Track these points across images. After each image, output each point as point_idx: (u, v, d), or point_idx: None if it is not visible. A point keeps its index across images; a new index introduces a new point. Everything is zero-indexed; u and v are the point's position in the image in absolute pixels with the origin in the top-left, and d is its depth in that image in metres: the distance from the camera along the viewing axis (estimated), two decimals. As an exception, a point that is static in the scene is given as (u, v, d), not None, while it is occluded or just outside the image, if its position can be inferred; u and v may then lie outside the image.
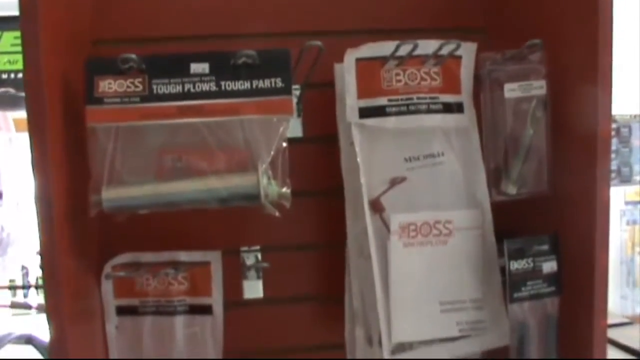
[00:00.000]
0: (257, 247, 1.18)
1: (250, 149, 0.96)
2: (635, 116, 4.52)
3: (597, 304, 1.02)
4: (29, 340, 1.83)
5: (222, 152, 0.96)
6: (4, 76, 3.34)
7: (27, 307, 3.45)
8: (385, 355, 1.02)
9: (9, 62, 3.35)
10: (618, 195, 4.39)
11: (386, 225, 1.03)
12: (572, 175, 1.06)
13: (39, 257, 0.97)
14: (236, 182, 0.94)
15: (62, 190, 0.95)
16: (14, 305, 3.48)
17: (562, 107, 1.07)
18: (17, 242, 3.46)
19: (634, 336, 1.49)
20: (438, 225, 1.05)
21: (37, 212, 0.93)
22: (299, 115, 1.17)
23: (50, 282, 0.95)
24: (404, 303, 1.03)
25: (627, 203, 4.91)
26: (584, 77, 1.01)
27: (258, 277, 1.18)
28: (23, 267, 3.77)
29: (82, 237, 1.05)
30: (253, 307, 1.20)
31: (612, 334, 1.08)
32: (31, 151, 0.92)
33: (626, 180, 4.75)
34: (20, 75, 3.20)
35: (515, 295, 1.05)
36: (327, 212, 1.20)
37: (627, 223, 4.96)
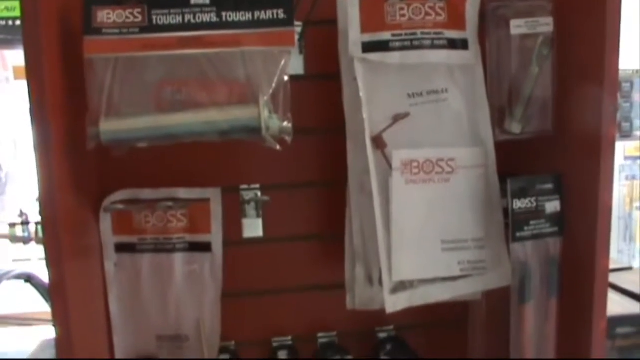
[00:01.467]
0: (257, 185, 1.16)
1: (251, 82, 0.94)
2: (636, 71, 4.49)
3: (599, 244, 1.01)
4: (28, 278, 1.82)
5: (222, 84, 0.94)
6: (2, 23, 3.31)
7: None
8: (386, 293, 1.02)
9: (7, 9, 3.32)
10: (618, 151, 4.37)
11: (388, 162, 1.02)
12: (578, 114, 1.04)
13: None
14: (237, 115, 0.92)
15: (60, 125, 0.94)
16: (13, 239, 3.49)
17: (569, 45, 1.05)
18: (15, 181, 3.46)
19: (634, 281, 1.49)
20: (440, 163, 1.04)
21: (34, 147, 0.91)
22: (300, 53, 1.15)
23: (48, 218, 0.94)
24: (405, 241, 1.02)
25: (626, 158, 4.90)
26: (592, 14, 0.99)
27: (258, 216, 1.17)
28: (22, 214, 3.77)
29: (80, 173, 1.04)
30: (253, 246, 1.19)
31: (612, 278, 1.07)
32: (28, 86, 0.90)
33: (626, 135, 4.74)
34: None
35: (518, 234, 1.04)
36: (329, 150, 1.18)
37: (626, 178, 4.96)
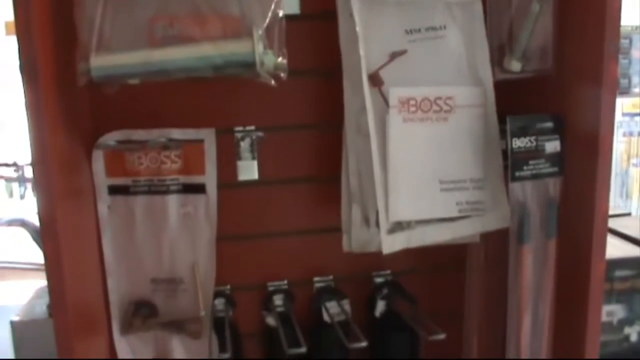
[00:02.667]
0: (252, 127, 1.14)
1: (245, 16, 0.92)
2: (635, 27, 4.46)
3: (599, 184, 1.00)
4: (21, 223, 1.81)
5: (216, 19, 0.92)
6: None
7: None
8: (383, 234, 1.00)
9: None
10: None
11: (385, 100, 1.00)
12: (579, 52, 1.02)
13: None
14: (231, 49, 0.90)
15: (49, 61, 0.91)
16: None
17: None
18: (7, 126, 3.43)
19: (632, 226, 1.48)
20: (438, 102, 1.02)
21: (23, 83, 0.89)
22: (296, -10, 1.13)
23: (39, 157, 0.92)
24: (403, 181, 1.01)
25: (624, 115, 4.88)
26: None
27: (253, 158, 1.15)
28: (18, 168, 3.76)
29: (72, 114, 1.02)
30: (248, 188, 1.18)
31: (611, 224, 1.06)
32: (15, 18, 0.88)
33: (624, 91, 4.73)
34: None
35: (517, 174, 1.02)
36: (325, 92, 1.16)
37: (624, 135, 4.95)
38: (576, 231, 1.04)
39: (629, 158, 5.00)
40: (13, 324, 1.54)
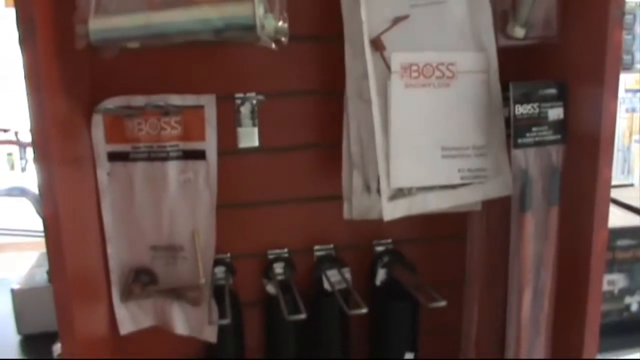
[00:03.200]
0: (253, 94, 1.13)
1: (245, -22, 0.90)
2: (639, 4, 4.44)
3: (602, 152, 0.99)
4: (21, 192, 1.80)
5: (216, -19, 0.91)
6: None
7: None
8: (384, 200, 1.00)
9: None
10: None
11: (387, 65, 0.99)
12: (584, 18, 1.01)
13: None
14: (231, 12, 0.89)
15: (48, 24, 0.90)
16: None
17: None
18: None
19: (635, 196, 1.47)
20: (441, 67, 1.01)
21: (21, 47, 0.88)
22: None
23: (37, 122, 0.91)
24: (404, 147, 1.00)
25: (626, 91, 4.87)
26: None
27: (253, 125, 1.15)
28: (18, 140, 3.75)
29: (71, 79, 1.00)
30: (248, 156, 1.17)
31: (613, 194, 1.05)
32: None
33: (627, 67, 4.70)
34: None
35: (519, 140, 1.02)
36: (326, 57, 1.15)
37: (626, 111, 4.93)
38: (578, 199, 1.03)
39: (631, 134, 4.99)
40: (13, 292, 1.55)
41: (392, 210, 1.00)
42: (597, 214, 1.01)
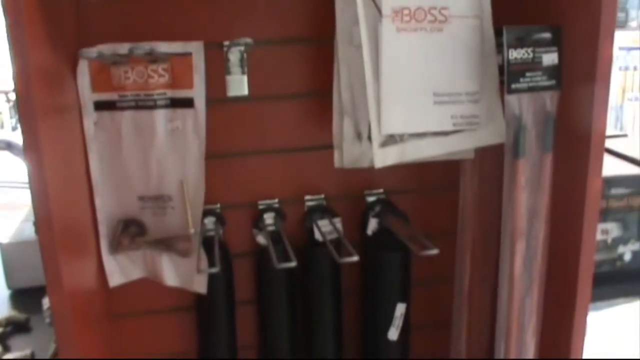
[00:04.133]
0: (241, 39, 1.11)
1: None
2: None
3: (597, 100, 0.97)
4: (7, 145, 1.79)
5: None
6: None
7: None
8: (375, 147, 0.98)
9: None
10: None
11: (378, 9, 0.96)
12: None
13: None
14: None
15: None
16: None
17: None
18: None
19: (629, 145, 1.46)
20: (433, 11, 0.98)
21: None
22: None
23: (19, 69, 0.88)
24: (396, 92, 0.98)
25: (620, 49, 4.84)
26: None
27: (242, 73, 1.12)
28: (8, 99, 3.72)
29: (55, 25, 0.98)
30: (237, 105, 1.15)
31: (608, 144, 1.04)
32: None
33: (621, 25, 4.68)
34: None
35: (513, 86, 0.99)
36: (316, 3, 1.12)
37: (620, 69, 4.91)
38: (572, 147, 1.02)
39: (624, 92, 4.98)
40: (2, 247, 1.54)
41: (383, 158, 0.98)
42: (591, 161, 0.99)
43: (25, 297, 1.52)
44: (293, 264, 1.02)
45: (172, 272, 1.16)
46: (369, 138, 1.00)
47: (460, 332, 1.26)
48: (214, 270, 1.04)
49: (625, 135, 1.63)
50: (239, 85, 1.13)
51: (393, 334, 1.18)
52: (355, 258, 1.02)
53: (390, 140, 0.99)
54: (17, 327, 1.45)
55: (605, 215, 1.32)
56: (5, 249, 1.53)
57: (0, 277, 1.55)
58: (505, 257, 1.09)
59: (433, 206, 1.27)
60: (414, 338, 1.24)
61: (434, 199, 1.26)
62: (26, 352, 1.33)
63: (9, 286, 1.55)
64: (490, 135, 1.04)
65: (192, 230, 1.11)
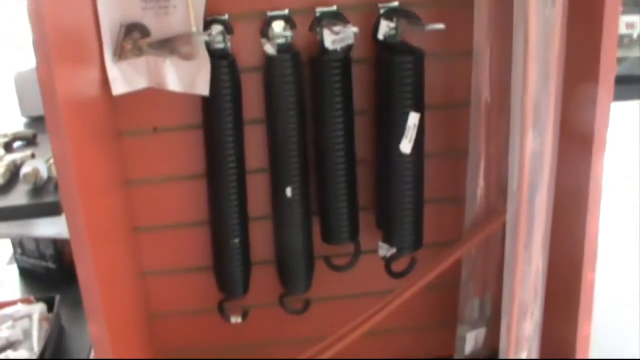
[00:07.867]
0: None
1: None
2: None
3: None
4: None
5: None
6: None
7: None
8: None
9: None
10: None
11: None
12: None
13: None
14: None
15: None
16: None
17: None
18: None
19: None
20: None
21: None
22: None
23: None
24: None
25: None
26: None
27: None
28: None
29: None
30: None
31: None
32: None
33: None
34: None
35: None
36: None
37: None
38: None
39: None
40: (16, 77, 1.52)
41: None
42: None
43: (39, 123, 1.51)
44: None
45: (175, 77, 1.12)
46: None
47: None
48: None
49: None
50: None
51: (406, 146, 1.12)
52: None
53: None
54: (26, 141, 1.48)
55: (629, 6, 1.18)
56: (17, 79, 1.51)
57: (15, 106, 1.54)
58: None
59: (449, 22, 1.18)
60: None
61: (451, 14, 1.18)
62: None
63: (23, 114, 1.54)
64: None
65: (194, 28, 1.06)
